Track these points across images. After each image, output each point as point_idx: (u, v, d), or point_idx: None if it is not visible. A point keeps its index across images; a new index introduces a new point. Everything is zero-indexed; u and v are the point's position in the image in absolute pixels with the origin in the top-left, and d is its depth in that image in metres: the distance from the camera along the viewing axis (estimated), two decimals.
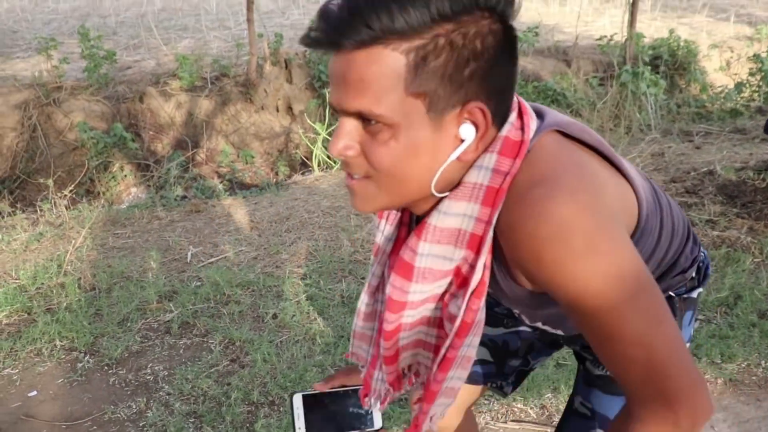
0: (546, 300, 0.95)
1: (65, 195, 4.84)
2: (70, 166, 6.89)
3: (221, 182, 6.08)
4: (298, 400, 1.19)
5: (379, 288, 1.12)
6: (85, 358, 2.69)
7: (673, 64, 7.78)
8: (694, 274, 1.19)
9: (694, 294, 1.22)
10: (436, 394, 1.05)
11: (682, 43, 7.97)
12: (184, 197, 4.70)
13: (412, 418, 1.14)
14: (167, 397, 2.48)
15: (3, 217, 4.44)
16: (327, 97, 6.05)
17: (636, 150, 4.63)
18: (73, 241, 3.66)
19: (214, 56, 8.22)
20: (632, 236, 0.96)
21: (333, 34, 0.79)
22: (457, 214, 0.90)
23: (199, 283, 3.21)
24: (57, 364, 2.69)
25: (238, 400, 2.41)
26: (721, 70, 8.49)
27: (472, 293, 0.93)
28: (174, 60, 7.64)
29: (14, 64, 8.75)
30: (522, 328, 1.39)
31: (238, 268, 3.32)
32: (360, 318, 1.17)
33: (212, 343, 2.74)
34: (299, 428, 1.17)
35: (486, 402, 2.36)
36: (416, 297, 0.97)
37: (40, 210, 4.50)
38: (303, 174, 5.77)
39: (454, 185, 0.91)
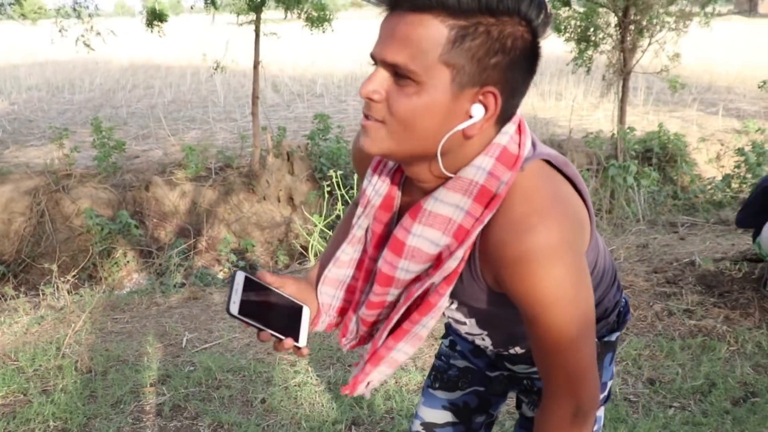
0: (500, 301, 1.07)
1: (68, 280, 4.98)
2: (75, 251, 7.07)
3: (221, 270, 6.22)
4: (240, 278, 1.19)
5: (362, 240, 1.21)
6: None
7: (664, 156, 8.04)
8: (615, 318, 1.35)
9: (613, 337, 1.37)
10: (382, 360, 1.18)
11: (671, 137, 8.27)
12: (183, 284, 4.83)
13: (351, 377, 1.25)
14: None
15: (6, 300, 4.56)
16: (325, 188, 6.26)
17: (622, 241, 4.79)
18: (73, 325, 3.77)
19: (219, 147, 8.54)
20: None
21: None
22: (450, 204, 1.01)
23: (192, 368, 3.29)
24: None
25: None
26: (710, 162, 8.76)
27: (444, 279, 1.06)
28: (180, 150, 7.95)
29: (28, 151, 9.10)
30: (475, 387, 1.50)
31: (230, 354, 3.41)
32: (335, 265, 1.23)
33: (201, 426, 2.81)
34: (234, 302, 1.15)
35: None
36: (402, 275, 1.09)
37: (43, 294, 4.62)
38: (300, 263, 5.92)
39: (451, 172, 1.02)
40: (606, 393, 1.39)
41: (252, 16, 7.20)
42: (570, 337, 1.01)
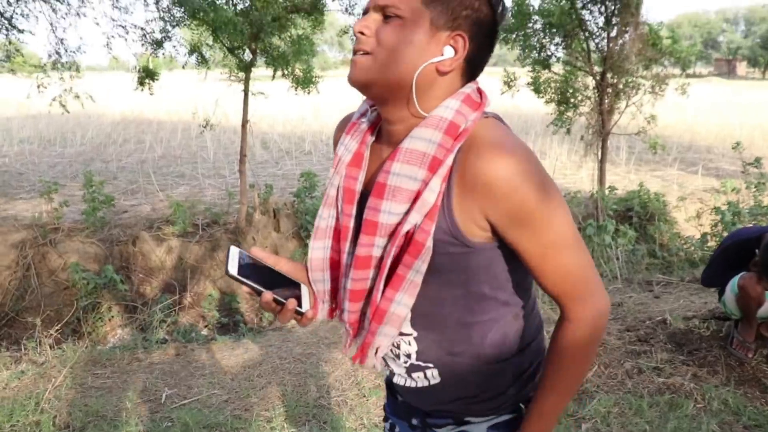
0: (457, 264, 1.17)
1: (51, 334, 5.01)
2: (60, 305, 7.09)
3: (206, 326, 6.25)
4: (234, 251, 1.23)
5: (337, 198, 1.28)
6: None
7: (644, 215, 8.21)
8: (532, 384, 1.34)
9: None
10: (384, 314, 1.20)
11: (651, 196, 8.46)
12: (165, 340, 4.87)
13: (357, 347, 1.28)
14: None
15: None
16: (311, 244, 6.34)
17: None
18: (54, 380, 3.80)
19: (207, 203, 8.66)
20: None
21: None
22: (424, 139, 1.14)
23: (170, 424, 3.33)
24: None
25: None
26: (690, 220, 8.94)
27: (425, 215, 1.13)
28: (169, 206, 8.05)
29: (17, 204, 9.18)
30: None
31: (209, 410, 3.45)
32: (314, 238, 1.31)
33: None
34: (232, 266, 1.19)
35: None
36: (385, 218, 1.15)
37: (25, 348, 4.65)
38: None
39: (425, 112, 1.17)
40: None
41: (242, 75, 7.41)
42: (567, 238, 1.14)
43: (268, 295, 1.21)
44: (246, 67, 7.27)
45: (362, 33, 1.16)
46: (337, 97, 18.70)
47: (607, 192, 8.32)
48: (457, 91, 1.19)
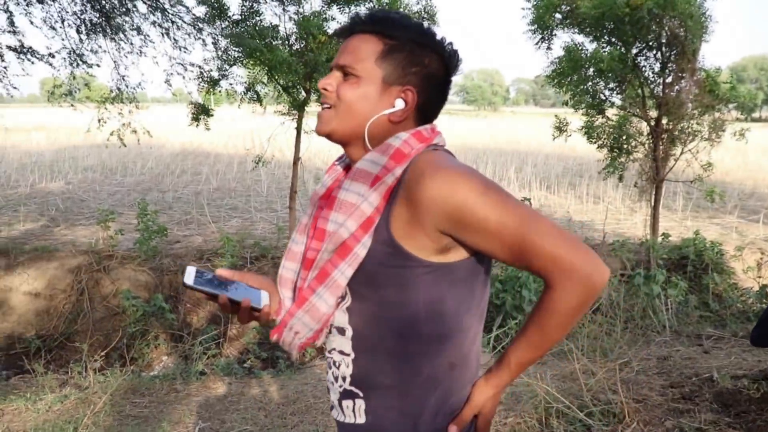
0: (394, 278, 1.25)
1: (96, 359, 5.13)
2: (109, 330, 7.28)
3: (247, 360, 6.30)
4: (191, 269, 1.34)
5: (307, 227, 1.40)
6: None
7: (699, 264, 7.93)
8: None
9: None
10: (305, 301, 1.32)
11: (708, 244, 8.16)
12: (204, 372, 4.93)
13: (280, 321, 1.37)
14: None
15: (36, 377, 4.72)
16: None
17: (641, 352, 4.75)
18: (93, 406, 3.89)
19: (257, 237, 8.80)
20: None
21: (354, 25, 1.36)
22: (371, 161, 1.29)
23: None
24: None
25: None
26: (748, 271, 8.62)
27: (360, 225, 1.25)
28: (219, 239, 8.22)
29: (76, 230, 9.52)
30: None
31: None
32: (287, 258, 1.42)
33: None
34: (188, 278, 1.31)
35: None
36: (332, 227, 1.28)
37: (71, 372, 4.78)
38: (324, 358, 5.97)
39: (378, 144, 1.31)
40: None
41: (295, 113, 7.57)
42: (522, 220, 1.18)
43: (223, 297, 1.33)
44: (300, 106, 7.44)
45: (325, 89, 1.34)
46: None
47: (660, 239, 8.11)
48: (410, 129, 1.34)
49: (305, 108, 7.49)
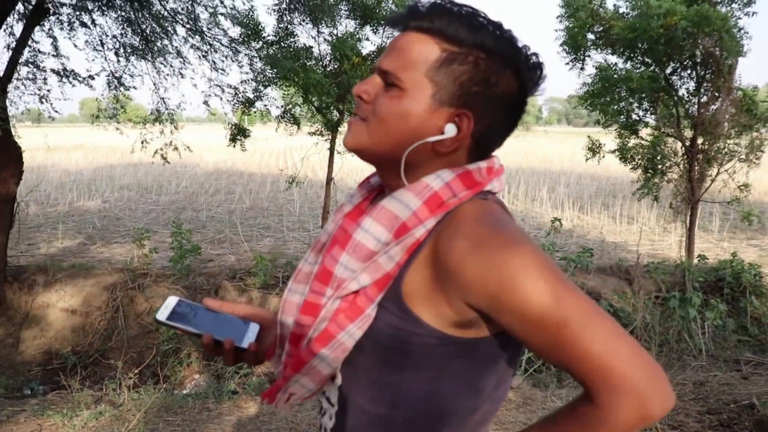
0: (406, 334, 1.00)
1: (131, 377, 5.20)
2: (142, 347, 7.38)
3: None
4: (172, 300, 1.18)
5: (324, 247, 1.16)
6: None
7: (737, 286, 7.77)
8: None
9: None
10: (303, 364, 1.07)
11: (746, 266, 7.97)
12: (236, 392, 4.96)
13: (273, 383, 1.15)
14: None
15: (72, 393, 4.80)
16: None
17: (678, 376, 4.66)
18: (127, 424, 3.94)
19: (290, 256, 8.86)
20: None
21: (408, 18, 1.04)
22: (401, 202, 1.02)
23: None
24: None
25: None
26: None
27: (374, 282, 1.01)
28: (252, 258, 8.30)
29: (112, 248, 9.70)
30: None
31: None
32: (294, 281, 1.18)
33: None
34: (163, 312, 1.15)
35: None
36: (341, 271, 1.04)
37: (105, 389, 4.85)
38: None
39: (414, 180, 1.05)
40: None
41: (328, 134, 7.66)
42: (577, 304, 0.91)
43: (207, 337, 1.15)
44: (333, 127, 7.51)
45: (360, 98, 1.08)
46: None
47: (696, 261, 7.97)
48: (461, 166, 1.06)
49: (338, 129, 7.57)
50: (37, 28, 7.38)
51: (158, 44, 8.16)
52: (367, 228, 1.04)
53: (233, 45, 8.00)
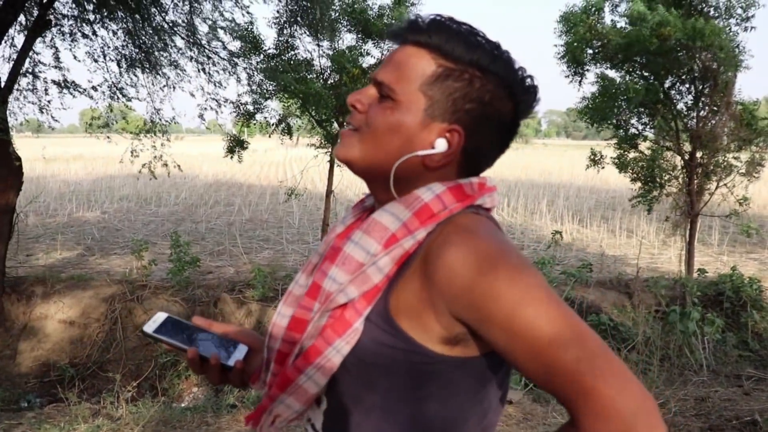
0: (390, 350, 0.97)
1: (129, 390, 5.17)
2: (140, 360, 7.35)
3: None
4: (161, 316, 1.16)
5: (315, 267, 1.14)
6: None
7: (737, 300, 7.75)
8: None
9: None
10: (290, 383, 1.04)
11: (746, 280, 7.95)
12: (234, 405, 4.93)
13: (258, 405, 1.12)
14: None
15: (69, 405, 4.77)
16: None
17: (678, 392, 4.63)
18: None
19: (289, 269, 8.85)
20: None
21: (407, 32, 1.05)
22: (392, 214, 1.02)
23: None
24: None
25: None
26: None
27: (363, 294, 0.99)
28: (251, 270, 8.28)
29: (111, 259, 9.68)
30: None
31: None
32: (284, 303, 1.14)
33: None
34: (150, 326, 1.13)
35: None
36: (329, 284, 1.02)
37: (103, 402, 4.82)
38: None
39: (404, 194, 1.05)
40: None
41: (329, 147, 7.67)
42: (563, 320, 0.88)
43: (192, 351, 1.13)
44: (333, 139, 7.52)
45: (354, 107, 1.07)
46: None
47: (696, 275, 7.96)
48: (452, 180, 1.06)
49: (338, 141, 7.58)
50: (39, 39, 7.40)
51: (156, 55, 8.18)
52: (357, 240, 1.02)
53: (232, 58, 8.03)
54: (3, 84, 6.99)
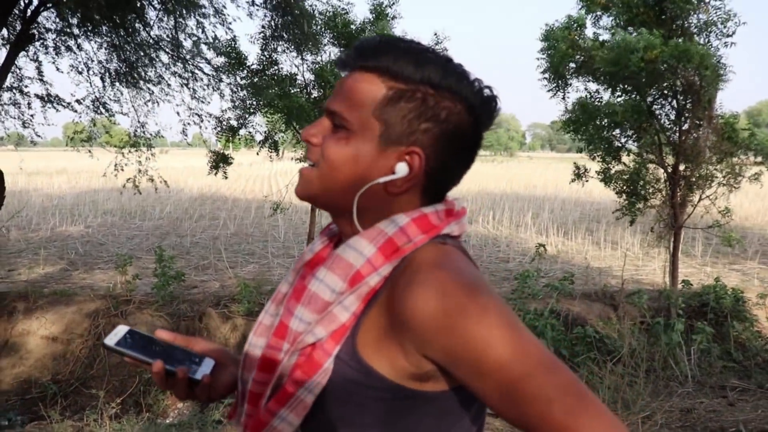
0: (360, 387, 0.96)
1: (113, 407, 5.11)
2: (124, 376, 7.26)
3: None
4: (122, 329, 1.12)
5: (285, 297, 1.11)
6: None
7: (720, 311, 7.80)
8: None
9: None
10: (264, 425, 1.02)
11: (729, 291, 8.00)
12: (220, 421, 4.89)
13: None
14: None
15: (51, 423, 4.70)
16: None
17: (665, 404, 4.65)
18: None
19: (274, 283, 8.80)
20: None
21: (354, 57, 1.02)
22: (356, 250, 0.98)
23: None
24: None
25: None
26: None
27: (330, 334, 0.97)
28: (237, 284, 8.24)
29: (95, 274, 9.59)
30: None
31: None
32: (255, 333, 1.12)
33: None
34: (111, 339, 1.09)
35: None
36: (296, 324, 1.00)
37: (86, 420, 4.75)
38: None
39: (369, 226, 1.02)
40: None
41: None
42: (533, 357, 0.87)
43: (157, 365, 1.08)
44: None
45: (309, 141, 1.04)
46: None
47: (680, 286, 8.02)
48: (416, 210, 1.02)
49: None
50: (21, 53, 7.36)
51: (141, 70, 8.17)
52: (322, 278, 1.00)
53: (217, 74, 8.04)
54: None
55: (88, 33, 7.80)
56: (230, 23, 8.24)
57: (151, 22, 7.89)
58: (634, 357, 5.96)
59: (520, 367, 0.86)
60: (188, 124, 8.15)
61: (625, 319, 7.70)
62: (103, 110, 8.25)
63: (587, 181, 8.54)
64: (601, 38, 7.75)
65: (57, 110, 7.96)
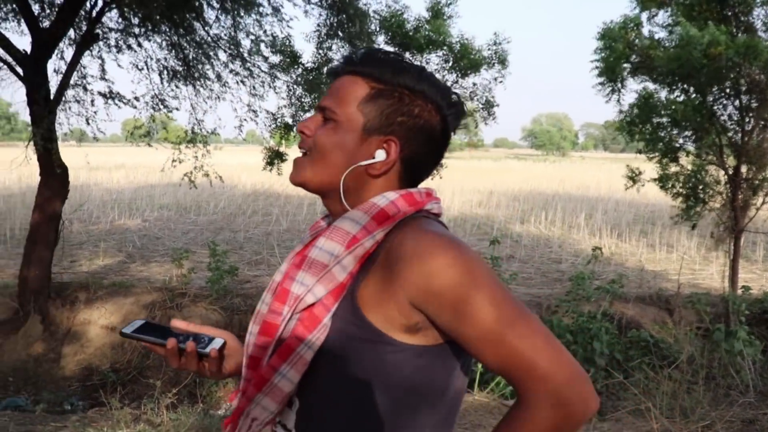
0: (361, 343, 1.07)
1: (169, 396, 5.23)
2: None
3: None
4: (138, 322, 1.23)
5: (279, 286, 1.20)
6: None
7: None
8: None
9: None
10: (265, 383, 1.11)
11: None
12: None
13: (234, 408, 1.17)
14: None
15: (111, 410, 4.85)
16: None
17: (725, 414, 4.51)
18: None
19: None
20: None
21: (344, 65, 1.22)
22: (352, 220, 1.13)
23: None
24: None
25: None
26: None
27: (330, 291, 1.09)
28: None
29: (151, 267, 9.85)
30: None
31: None
32: (254, 322, 1.21)
33: None
34: (128, 328, 1.19)
35: None
36: (297, 288, 1.12)
37: (144, 407, 4.88)
38: None
39: (353, 204, 1.18)
40: None
41: None
42: (509, 307, 1.02)
43: (171, 341, 1.19)
44: None
45: (303, 132, 1.22)
46: (459, 178, 18.79)
47: (740, 291, 7.78)
48: (400, 189, 1.19)
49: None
50: (86, 52, 7.60)
51: (199, 68, 8.33)
52: (321, 246, 1.13)
53: (273, 71, 8.13)
54: (52, 96, 7.19)
55: (149, 32, 7.99)
56: (288, 21, 8.35)
57: (210, 21, 8.05)
58: (692, 363, 5.81)
59: (495, 310, 1.01)
60: (244, 120, 8.27)
61: (681, 324, 7.51)
62: (161, 107, 8.44)
63: (642, 185, 8.34)
64: (657, 36, 7.56)
65: (118, 107, 8.17)
